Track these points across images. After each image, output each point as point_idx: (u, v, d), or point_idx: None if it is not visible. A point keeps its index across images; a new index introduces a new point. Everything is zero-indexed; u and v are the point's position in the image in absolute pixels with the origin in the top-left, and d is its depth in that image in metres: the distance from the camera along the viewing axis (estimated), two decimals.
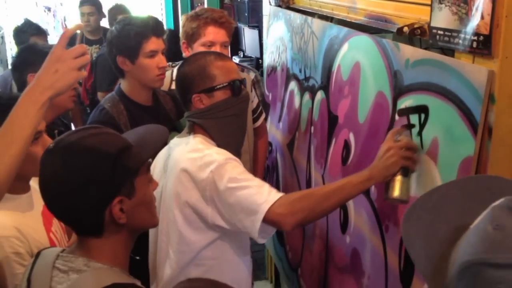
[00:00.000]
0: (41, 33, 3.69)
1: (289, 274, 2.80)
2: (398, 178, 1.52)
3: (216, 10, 2.49)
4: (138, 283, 1.23)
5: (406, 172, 1.51)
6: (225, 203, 1.64)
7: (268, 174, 3.06)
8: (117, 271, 1.20)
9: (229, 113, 1.80)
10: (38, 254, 1.29)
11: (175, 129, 1.90)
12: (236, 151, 1.83)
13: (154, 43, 2.18)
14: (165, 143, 1.80)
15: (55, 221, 1.69)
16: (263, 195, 1.59)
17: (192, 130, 1.81)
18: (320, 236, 2.32)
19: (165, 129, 1.42)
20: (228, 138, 1.81)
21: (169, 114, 2.30)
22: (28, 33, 3.65)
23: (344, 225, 2.06)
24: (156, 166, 1.83)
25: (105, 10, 4.69)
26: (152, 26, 2.19)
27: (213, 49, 2.32)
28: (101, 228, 1.19)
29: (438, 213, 0.86)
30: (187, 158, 1.71)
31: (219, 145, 1.78)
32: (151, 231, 1.85)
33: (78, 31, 1.42)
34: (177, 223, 1.73)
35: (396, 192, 1.51)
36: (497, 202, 0.75)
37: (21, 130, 1.27)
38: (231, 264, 1.80)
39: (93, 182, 1.15)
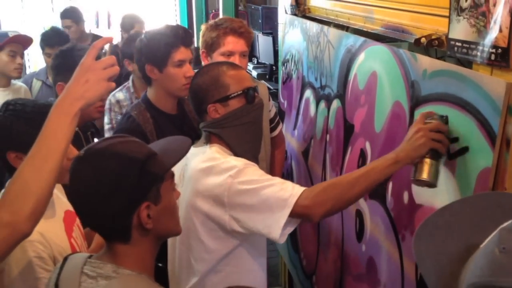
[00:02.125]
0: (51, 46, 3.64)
1: (303, 281, 2.81)
2: (427, 161, 1.45)
3: (236, 20, 2.52)
4: None
5: (435, 155, 1.46)
6: (246, 206, 1.65)
7: None
8: (145, 278, 1.23)
9: (245, 120, 1.82)
10: (66, 259, 1.32)
11: (199, 137, 1.93)
12: (254, 158, 1.86)
13: (183, 53, 2.21)
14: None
15: (75, 228, 1.72)
16: (288, 190, 1.60)
17: (209, 140, 1.83)
18: (335, 244, 2.33)
19: (187, 139, 1.45)
20: (245, 146, 1.83)
21: (193, 123, 2.33)
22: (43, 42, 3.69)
23: (360, 233, 2.07)
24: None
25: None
26: (182, 36, 2.23)
27: (232, 58, 2.35)
28: (128, 234, 1.23)
29: (450, 231, 0.87)
30: (202, 167, 1.73)
31: (236, 153, 1.80)
32: (169, 240, 1.87)
33: (107, 45, 1.42)
34: (197, 232, 1.75)
35: (424, 174, 1.45)
36: (505, 224, 0.76)
37: (56, 143, 1.25)
38: (248, 269, 1.82)
39: (122, 187, 1.19)
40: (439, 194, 1.52)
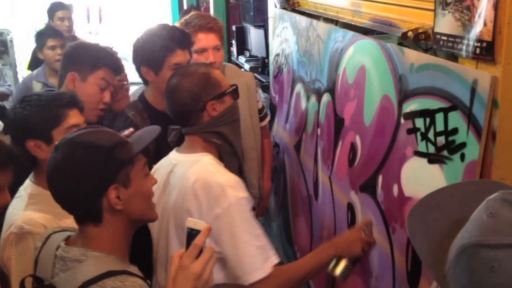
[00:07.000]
0: (57, 35, 3.73)
1: None
2: (345, 262, 1.81)
3: (204, 15, 2.50)
4: (133, 269, 1.32)
5: (355, 260, 1.83)
6: (221, 240, 1.66)
7: (276, 174, 3.09)
8: (113, 258, 1.30)
9: (237, 116, 1.86)
10: (48, 237, 1.41)
11: None
12: (241, 155, 1.90)
13: (179, 56, 2.16)
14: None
15: None
16: (259, 261, 1.65)
17: (194, 147, 1.80)
18: (328, 237, 2.35)
19: (157, 127, 1.49)
20: (240, 143, 1.87)
21: None
22: (46, 35, 3.70)
23: (351, 226, 2.08)
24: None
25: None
26: (178, 39, 2.16)
27: (205, 54, 2.37)
28: (99, 215, 1.31)
29: (440, 210, 0.93)
30: (195, 187, 1.69)
31: (235, 151, 1.83)
32: (154, 238, 1.86)
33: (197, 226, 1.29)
34: (180, 240, 1.72)
35: (338, 271, 1.81)
36: (491, 196, 0.82)
37: None
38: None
39: (88, 172, 1.28)
40: (428, 186, 1.54)
